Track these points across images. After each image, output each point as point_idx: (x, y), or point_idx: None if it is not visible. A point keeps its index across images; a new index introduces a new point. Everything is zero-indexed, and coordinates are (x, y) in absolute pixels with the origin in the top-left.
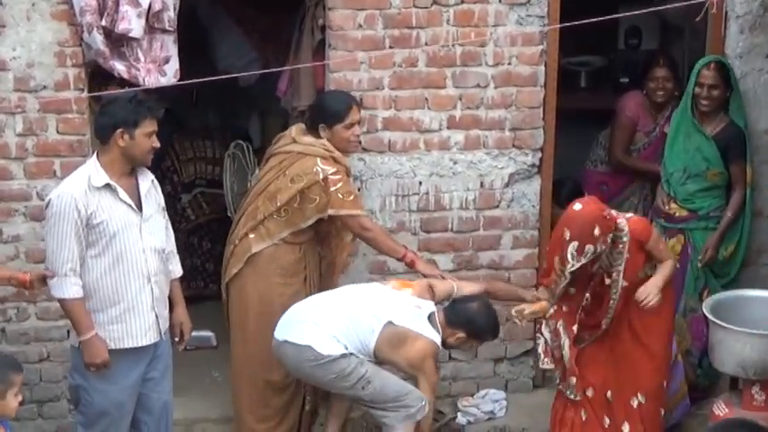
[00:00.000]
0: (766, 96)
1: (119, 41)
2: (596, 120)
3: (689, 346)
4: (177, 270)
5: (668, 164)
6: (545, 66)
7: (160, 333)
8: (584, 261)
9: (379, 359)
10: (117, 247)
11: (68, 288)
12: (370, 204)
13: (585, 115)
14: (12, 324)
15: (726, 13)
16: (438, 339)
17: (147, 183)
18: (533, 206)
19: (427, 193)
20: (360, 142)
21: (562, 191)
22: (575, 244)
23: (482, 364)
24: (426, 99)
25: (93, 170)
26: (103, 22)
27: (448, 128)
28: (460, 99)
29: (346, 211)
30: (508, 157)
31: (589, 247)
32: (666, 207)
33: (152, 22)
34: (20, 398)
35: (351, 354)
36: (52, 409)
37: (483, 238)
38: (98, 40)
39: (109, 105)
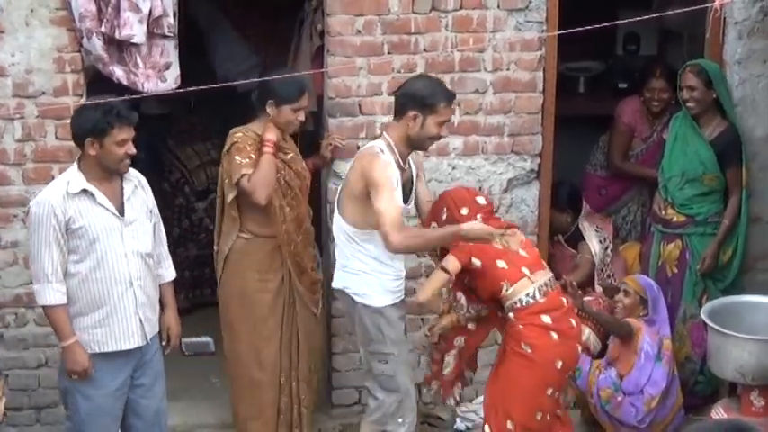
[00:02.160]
0: (765, 102)
1: (118, 47)
2: (595, 125)
3: (689, 353)
4: (168, 274)
5: (666, 169)
6: (543, 71)
7: (146, 337)
8: None
9: (353, 221)
10: (98, 252)
11: (50, 294)
12: None
13: (584, 121)
14: (10, 330)
15: (724, 18)
16: (376, 145)
17: (131, 186)
18: (532, 212)
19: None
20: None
21: (560, 193)
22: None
23: (481, 369)
24: None
25: (72, 176)
26: (103, 29)
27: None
28: (459, 105)
29: (237, 174)
30: (507, 163)
31: None
32: (663, 213)
33: (152, 27)
34: (3, 400)
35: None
36: (50, 415)
37: None
38: (98, 45)
39: (79, 113)
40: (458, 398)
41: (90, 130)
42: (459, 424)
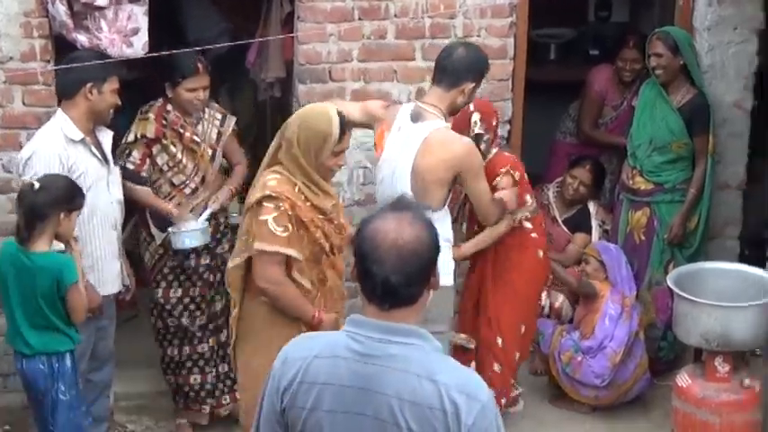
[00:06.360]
0: (734, 69)
1: (82, 13)
2: (566, 92)
3: (653, 319)
4: None
5: (635, 135)
6: (514, 38)
7: (122, 283)
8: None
9: (438, 206)
10: (90, 200)
11: None
12: (338, 177)
13: (555, 88)
14: None
15: None
16: (442, 125)
17: (109, 137)
18: None
19: None
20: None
21: (583, 165)
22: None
23: None
24: (395, 71)
25: (64, 124)
26: None
27: (416, 100)
28: (429, 71)
29: (267, 245)
30: None
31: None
32: (631, 182)
33: None
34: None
35: None
36: None
37: None
38: (61, 11)
39: (76, 59)
40: None
41: (92, 76)
42: None
